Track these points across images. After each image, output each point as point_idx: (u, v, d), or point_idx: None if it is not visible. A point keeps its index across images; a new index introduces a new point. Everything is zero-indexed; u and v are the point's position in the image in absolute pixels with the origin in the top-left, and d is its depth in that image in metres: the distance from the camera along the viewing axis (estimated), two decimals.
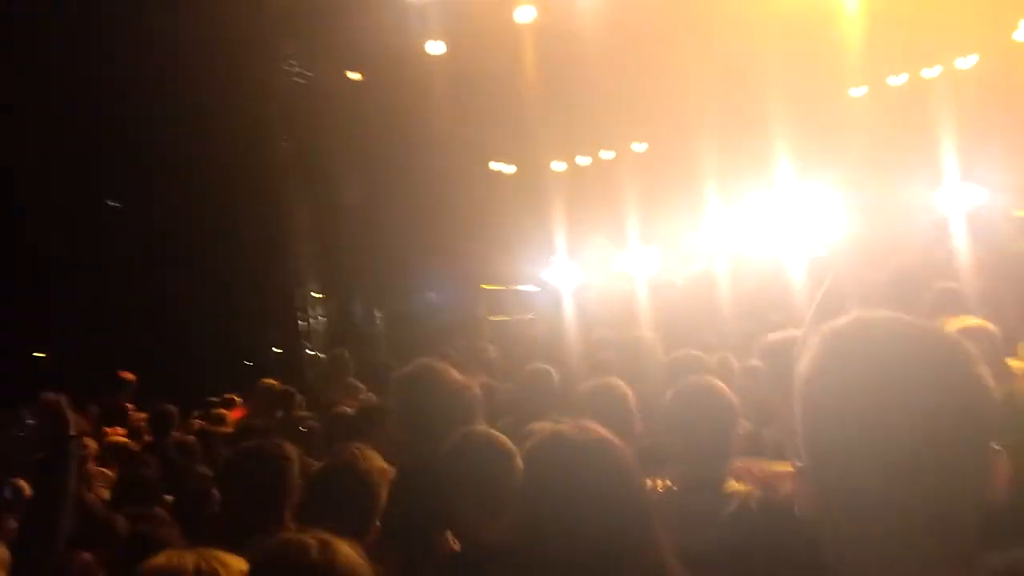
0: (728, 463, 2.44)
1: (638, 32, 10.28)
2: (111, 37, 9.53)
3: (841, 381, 0.91)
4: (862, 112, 13.06)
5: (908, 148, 11.61)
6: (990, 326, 2.96)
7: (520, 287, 12.86)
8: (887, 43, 10.51)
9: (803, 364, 0.97)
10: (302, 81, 11.03)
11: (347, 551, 1.50)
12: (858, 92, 13.23)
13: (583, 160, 15.14)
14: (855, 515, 0.91)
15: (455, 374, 2.72)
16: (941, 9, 10.04)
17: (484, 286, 11.60)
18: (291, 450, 2.58)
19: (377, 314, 11.96)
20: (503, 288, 11.93)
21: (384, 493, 2.46)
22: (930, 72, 12.46)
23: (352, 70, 11.15)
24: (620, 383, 3.10)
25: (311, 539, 1.49)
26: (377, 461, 2.51)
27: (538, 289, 13.36)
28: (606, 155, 15.04)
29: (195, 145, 10.58)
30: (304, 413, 5.51)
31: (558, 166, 15.13)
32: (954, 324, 2.73)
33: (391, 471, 2.56)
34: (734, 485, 2.38)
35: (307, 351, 11.08)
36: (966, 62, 11.96)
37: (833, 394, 0.92)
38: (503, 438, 2.32)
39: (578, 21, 9.91)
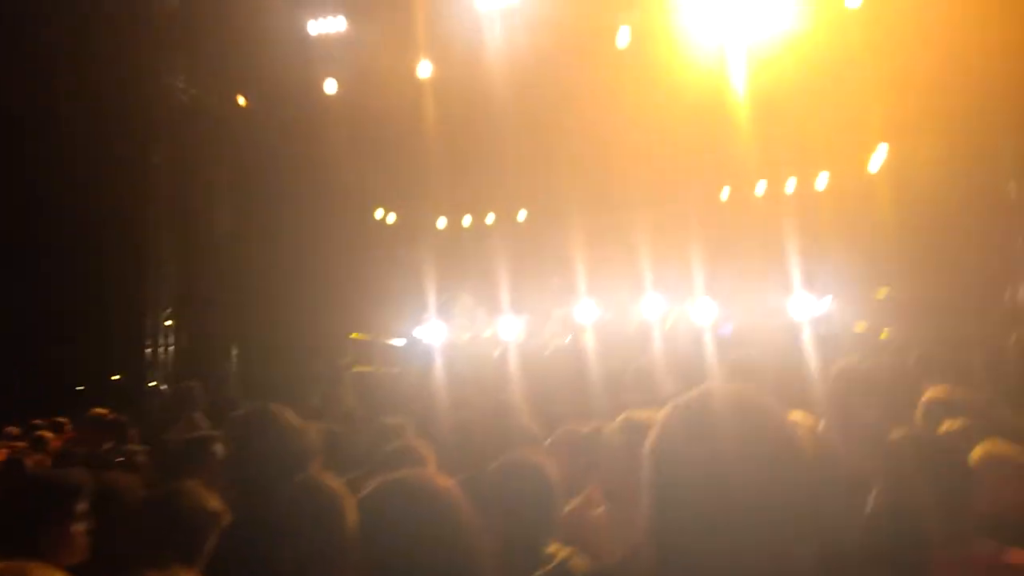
0: (549, 538, 2.46)
1: (532, 103, 10.60)
2: None
3: (684, 449, 1.00)
4: (728, 212, 13.93)
5: (765, 252, 12.49)
6: None
7: (389, 340, 12.64)
8: (754, 151, 11.30)
9: (652, 433, 1.04)
10: (185, 99, 10.59)
11: None
12: (724, 194, 14.14)
13: (466, 220, 15.27)
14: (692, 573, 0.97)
15: (293, 419, 2.60)
16: (802, 128, 10.97)
17: (352, 335, 11.30)
18: (77, 479, 2.45)
19: (234, 351, 11.38)
20: (371, 339, 11.67)
21: (211, 536, 2.32)
22: (788, 185, 13.47)
23: (242, 95, 10.84)
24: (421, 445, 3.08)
25: None
26: (207, 501, 2.36)
27: (406, 343, 13.18)
28: (488, 218, 15.24)
29: (59, 149, 9.87)
30: (135, 447, 5.13)
31: (441, 222, 15.18)
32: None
33: (224, 514, 2.41)
34: (556, 549, 2.41)
35: (149, 382, 10.35)
36: (821, 180, 13.02)
37: (675, 461, 1.00)
38: (336, 486, 2.24)
39: (476, 83, 10.12)
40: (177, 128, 10.80)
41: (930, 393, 3.88)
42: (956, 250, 8.88)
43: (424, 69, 10.17)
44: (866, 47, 8.82)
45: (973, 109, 8.19)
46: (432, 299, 13.87)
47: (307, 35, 10.35)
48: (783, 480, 0.98)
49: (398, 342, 12.98)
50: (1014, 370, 5.00)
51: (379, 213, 14.31)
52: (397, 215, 14.50)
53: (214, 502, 2.48)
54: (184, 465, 3.53)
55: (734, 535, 0.95)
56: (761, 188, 13.62)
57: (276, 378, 9.79)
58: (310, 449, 2.54)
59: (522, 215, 15.05)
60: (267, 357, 11.10)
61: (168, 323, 11.33)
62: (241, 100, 11.01)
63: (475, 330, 12.90)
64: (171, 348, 11.14)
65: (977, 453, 2.67)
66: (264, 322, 11.48)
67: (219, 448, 3.63)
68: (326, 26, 10.32)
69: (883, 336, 8.39)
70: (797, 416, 3.00)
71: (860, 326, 9.15)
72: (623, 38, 9.55)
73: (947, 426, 2.92)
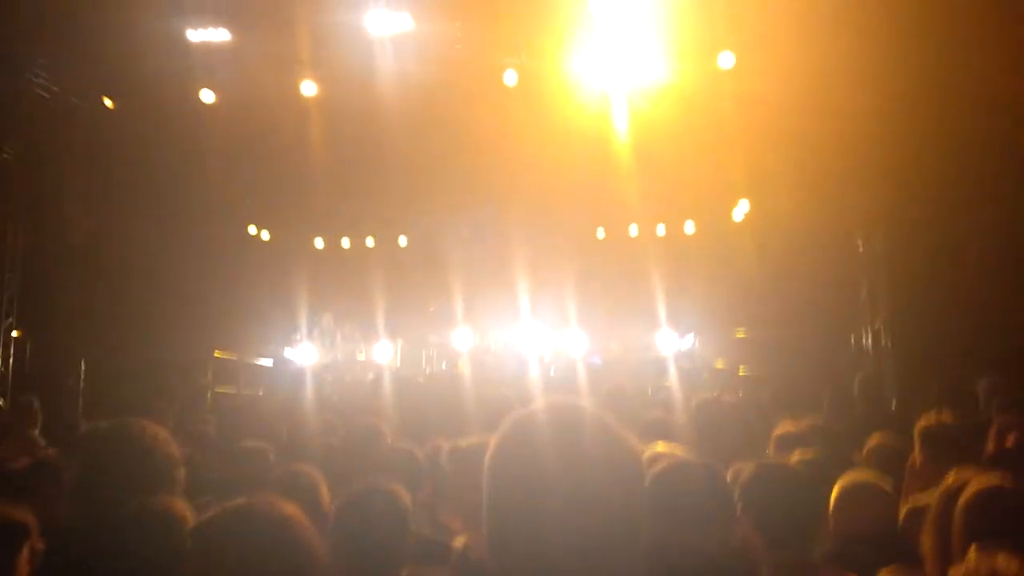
0: (400, 556, 2.51)
1: (417, 131, 10.60)
2: None
3: (517, 456, 1.04)
4: (601, 251, 14.40)
5: (635, 290, 13.00)
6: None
7: (256, 360, 12.16)
8: (628, 195, 11.78)
9: (491, 445, 1.09)
10: (46, 95, 9.90)
11: None
12: (601, 234, 14.65)
13: (345, 242, 15.02)
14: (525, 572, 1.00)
15: (159, 435, 2.43)
16: (673, 176, 11.54)
17: (217, 353, 10.78)
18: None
19: (83, 365, 10.57)
20: (236, 358, 11.18)
21: (18, 551, 2.16)
22: (659, 229, 14.13)
23: (110, 96, 10.24)
24: (309, 470, 3.03)
25: None
26: (13, 515, 2.21)
27: (273, 364, 12.73)
28: (368, 242, 15.06)
29: None
30: None
31: (318, 243, 14.86)
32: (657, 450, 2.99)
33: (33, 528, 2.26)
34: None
35: None
36: (688, 226, 13.73)
37: (510, 468, 1.04)
38: (179, 510, 2.14)
39: (362, 106, 10.02)
40: (34, 124, 10.06)
41: (782, 427, 4.12)
42: (809, 296, 9.53)
43: (308, 88, 9.97)
44: (735, 104, 9.41)
45: (828, 167, 8.88)
46: (304, 321, 13.52)
47: (186, 42, 9.95)
48: (605, 486, 1.01)
49: (265, 362, 12.53)
50: (859, 407, 5.39)
51: (252, 229, 13.84)
52: (271, 233, 14.07)
53: (20, 515, 2.30)
54: (24, 487, 3.28)
55: (558, 539, 0.99)
56: (634, 231, 14.19)
57: (128, 395, 9.17)
58: (169, 472, 2.39)
59: (403, 241, 14.96)
60: (119, 373, 10.40)
61: (12, 334, 10.43)
62: (108, 102, 10.39)
63: (345, 353, 12.65)
64: (11, 360, 10.25)
65: (842, 481, 2.86)
66: (119, 335, 10.77)
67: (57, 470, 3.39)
68: (207, 35, 9.97)
69: (740, 372, 8.87)
70: (661, 447, 3.10)
71: (719, 363, 9.64)
72: (510, 78, 9.75)
73: (797, 456, 3.11)
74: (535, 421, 1.08)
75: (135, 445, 2.35)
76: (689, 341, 10.78)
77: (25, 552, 2.25)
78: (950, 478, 2.39)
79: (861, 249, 9.06)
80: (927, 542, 2.32)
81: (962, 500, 2.48)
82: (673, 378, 9.52)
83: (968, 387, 5.55)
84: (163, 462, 2.37)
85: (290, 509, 1.77)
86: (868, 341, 8.87)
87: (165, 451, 2.39)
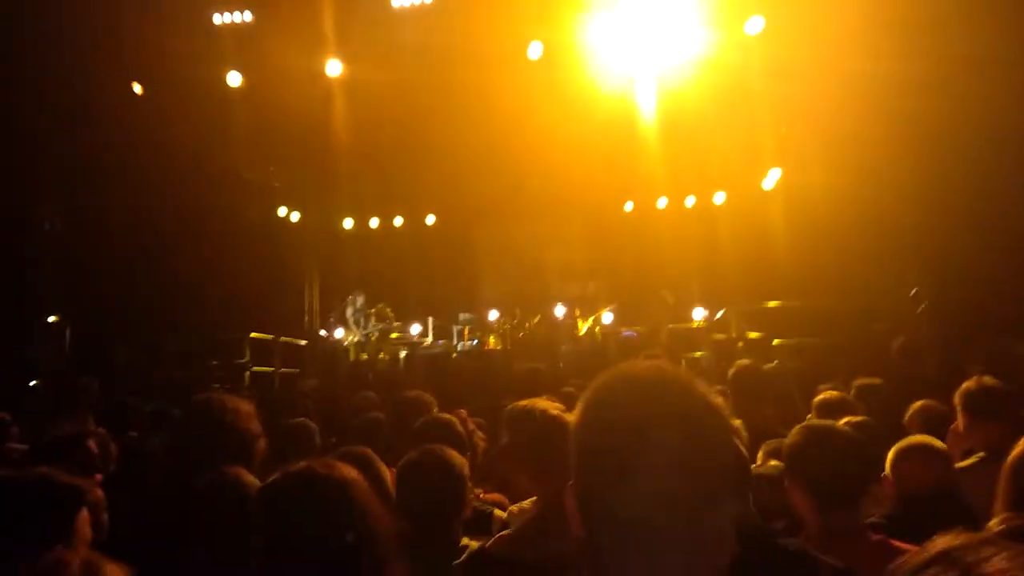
0: (458, 522, 2.59)
1: (438, 102, 10.57)
2: None
3: (602, 421, 1.04)
4: (631, 225, 14.31)
5: (664, 265, 12.93)
6: None
7: (291, 339, 12.32)
8: (661, 167, 11.67)
9: (580, 407, 1.09)
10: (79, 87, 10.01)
11: None
12: (629, 207, 14.57)
13: (373, 221, 15.09)
14: (614, 540, 1.01)
15: (239, 410, 2.51)
16: (702, 147, 11.44)
17: (253, 335, 10.93)
18: None
19: (122, 349, 10.78)
20: (272, 338, 11.33)
21: (77, 514, 2.24)
22: (688, 201, 14.04)
23: (139, 81, 10.39)
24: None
25: None
26: (66, 479, 2.29)
27: (307, 343, 12.89)
28: (397, 221, 15.12)
29: None
30: (18, 445, 4.84)
31: (347, 223, 14.95)
32: None
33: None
34: (467, 541, 2.54)
35: (30, 380, 9.67)
36: (718, 198, 13.62)
37: (595, 432, 1.05)
38: (249, 480, 2.23)
39: (384, 83, 10.01)
40: (64, 110, 10.19)
41: (824, 393, 4.12)
42: (842, 266, 9.44)
43: (333, 67, 9.99)
44: (763, 73, 9.27)
45: (860, 135, 8.74)
46: (335, 300, 13.65)
47: (211, 25, 10.03)
48: (696, 446, 1.01)
49: (301, 342, 12.69)
50: (896, 373, 5.36)
51: (282, 211, 13.95)
52: (301, 214, 14.17)
53: (78, 481, 2.38)
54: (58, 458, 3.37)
55: (650, 499, 0.99)
56: (662, 203, 14.08)
57: (168, 378, 9.36)
58: (247, 446, 2.46)
59: (430, 219, 15.00)
60: (158, 357, 10.59)
61: (52, 319, 10.66)
62: (137, 87, 10.50)
63: (379, 331, 12.78)
64: (57, 346, 10.48)
65: (901, 443, 2.88)
66: (155, 319, 10.96)
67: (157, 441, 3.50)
68: (232, 18, 10.04)
69: (775, 343, 8.83)
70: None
71: (753, 333, 9.60)
72: (535, 50, 9.67)
73: (845, 421, 3.11)
74: (623, 382, 1.08)
75: (215, 420, 2.43)
76: (721, 312, 10.73)
77: (84, 515, 2.32)
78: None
79: (896, 216, 8.94)
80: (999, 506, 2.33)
81: (1010, 460, 2.48)
82: (708, 348, 9.50)
83: (1007, 352, 5.50)
84: (242, 435, 2.45)
85: (349, 472, 1.82)
86: (905, 309, 8.80)
87: (245, 426, 2.47)
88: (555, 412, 2.48)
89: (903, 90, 7.96)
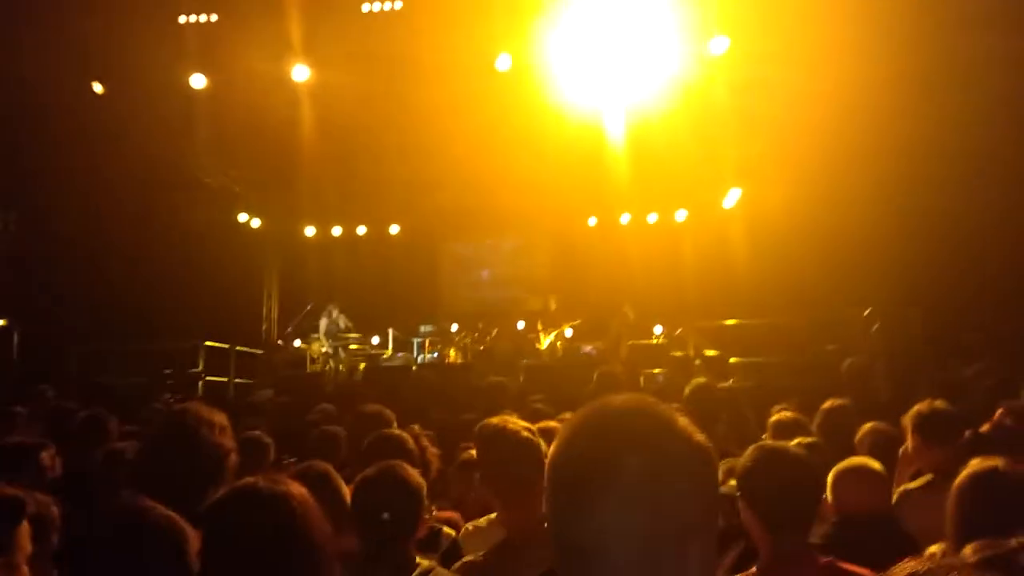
0: (412, 540, 2.55)
1: (405, 112, 10.54)
2: None
3: (574, 450, 1.04)
4: (594, 240, 14.39)
5: (627, 279, 13.01)
6: None
7: (247, 348, 12.12)
8: (624, 183, 11.75)
9: (560, 436, 1.08)
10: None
11: None
12: (592, 222, 14.65)
13: (336, 229, 14.95)
14: (578, 571, 1.00)
15: (213, 424, 2.44)
16: (665, 165, 11.55)
17: (208, 343, 10.73)
18: None
19: (73, 354, 10.50)
20: (227, 347, 11.13)
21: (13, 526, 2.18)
22: (649, 218, 14.20)
23: (100, 81, 10.17)
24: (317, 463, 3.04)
25: None
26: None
27: (263, 353, 12.70)
28: (360, 229, 14.99)
29: None
30: None
31: (309, 231, 14.79)
32: None
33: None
34: (420, 559, 2.51)
35: None
36: (679, 215, 13.80)
37: (566, 462, 1.04)
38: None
39: (351, 90, 9.93)
40: (22, 110, 9.93)
41: (778, 413, 4.17)
42: (799, 284, 9.59)
43: (300, 72, 9.88)
44: (727, 92, 9.39)
45: (819, 154, 8.91)
46: (294, 308, 13.48)
47: (177, 25, 9.86)
48: (677, 482, 1.00)
49: (256, 351, 12.50)
50: (846, 394, 5.44)
51: (243, 216, 13.75)
52: (262, 220, 13.98)
53: (15, 492, 2.30)
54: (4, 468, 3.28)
55: (612, 526, 0.98)
56: (625, 219, 14.20)
57: (120, 384, 9.14)
58: (219, 461, 2.40)
59: (394, 229, 14.91)
60: (109, 362, 10.34)
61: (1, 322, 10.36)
62: (98, 86, 10.28)
63: (338, 341, 12.64)
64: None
65: (840, 464, 2.91)
66: (107, 324, 10.70)
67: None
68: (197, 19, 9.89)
69: (731, 360, 8.92)
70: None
71: (710, 351, 9.70)
72: (503, 62, 9.69)
73: (796, 441, 3.14)
74: (599, 415, 1.07)
75: (188, 437, 2.37)
76: (679, 330, 10.84)
77: (24, 527, 2.25)
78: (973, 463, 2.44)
79: (852, 237, 9.12)
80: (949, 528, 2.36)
81: (957, 483, 2.52)
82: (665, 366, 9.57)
83: (957, 376, 5.62)
84: (213, 452, 2.38)
85: (297, 489, 1.79)
86: (858, 330, 8.96)
87: (219, 440, 2.40)
88: (526, 434, 2.47)
89: (862, 112, 8.14)
